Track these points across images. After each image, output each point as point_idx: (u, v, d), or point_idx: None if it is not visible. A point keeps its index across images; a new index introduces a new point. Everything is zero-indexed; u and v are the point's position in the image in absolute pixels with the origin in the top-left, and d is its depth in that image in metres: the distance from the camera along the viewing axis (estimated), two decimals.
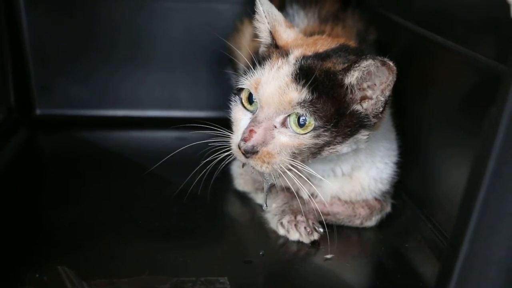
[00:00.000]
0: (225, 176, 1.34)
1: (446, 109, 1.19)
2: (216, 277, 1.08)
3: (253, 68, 1.11)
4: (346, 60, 1.09)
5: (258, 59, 1.13)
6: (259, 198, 1.32)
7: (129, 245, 1.18)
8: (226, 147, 1.13)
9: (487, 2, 1.04)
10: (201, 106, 1.73)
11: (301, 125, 1.06)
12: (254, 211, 1.32)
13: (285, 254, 1.19)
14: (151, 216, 1.27)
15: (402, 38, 1.37)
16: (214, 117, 1.39)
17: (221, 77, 1.63)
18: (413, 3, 1.34)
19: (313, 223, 1.21)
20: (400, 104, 1.26)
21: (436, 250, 1.16)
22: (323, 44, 1.14)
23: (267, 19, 1.15)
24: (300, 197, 1.20)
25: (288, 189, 1.21)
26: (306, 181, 1.12)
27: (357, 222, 1.26)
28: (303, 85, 1.04)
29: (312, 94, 1.04)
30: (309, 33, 1.27)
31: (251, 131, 1.06)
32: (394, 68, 1.02)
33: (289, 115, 1.06)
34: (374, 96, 1.06)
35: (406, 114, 1.29)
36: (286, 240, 1.21)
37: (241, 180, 1.36)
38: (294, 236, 1.20)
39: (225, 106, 1.19)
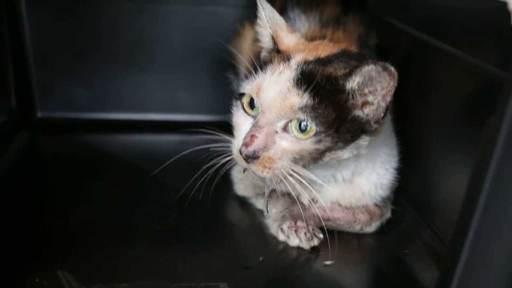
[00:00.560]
0: (226, 181, 1.34)
1: (447, 115, 1.18)
2: (216, 282, 1.08)
3: (255, 72, 1.12)
4: (347, 65, 1.09)
5: (259, 64, 1.13)
6: (259, 204, 1.32)
7: (130, 249, 1.18)
8: (227, 152, 1.13)
9: (488, 8, 1.03)
10: (202, 110, 1.73)
11: (302, 130, 1.06)
12: (254, 216, 1.32)
13: (285, 259, 1.19)
14: (151, 220, 1.27)
15: (403, 43, 1.37)
16: (215, 121, 1.40)
17: (222, 81, 1.63)
18: (414, 8, 1.34)
19: (313, 229, 1.21)
20: (401, 109, 1.25)
21: (436, 257, 1.16)
22: (325, 49, 1.15)
23: (269, 24, 1.15)
24: (301, 203, 1.20)
25: (288, 194, 1.22)
26: (307, 186, 1.12)
27: (357, 228, 1.26)
28: (305, 90, 1.04)
29: (314, 99, 1.04)
30: (310, 38, 1.27)
31: (252, 136, 1.07)
32: (395, 73, 1.02)
33: (290, 120, 1.06)
34: (375, 102, 1.07)
35: (407, 120, 1.29)
36: (286, 246, 1.21)
37: (242, 185, 1.36)
38: (294, 241, 1.20)
39: (226, 110, 1.19)
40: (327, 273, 1.15)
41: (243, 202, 1.36)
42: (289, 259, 1.19)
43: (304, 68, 1.07)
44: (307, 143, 1.06)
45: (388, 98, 1.06)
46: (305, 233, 1.19)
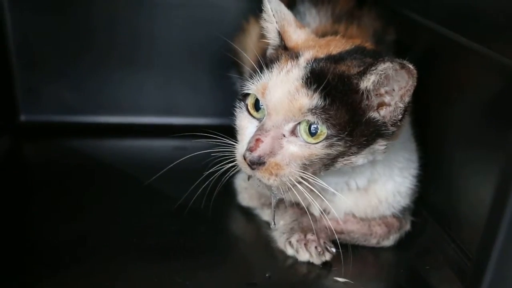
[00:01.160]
0: (228, 190, 1.35)
1: (471, 117, 1.20)
2: None
3: (260, 71, 1.13)
4: (362, 63, 1.11)
5: (265, 62, 1.15)
6: (265, 215, 1.34)
7: (123, 265, 1.19)
8: (230, 157, 1.14)
9: None
10: (202, 113, 1.75)
11: (312, 134, 1.07)
12: (259, 228, 1.33)
13: (293, 276, 1.20)
14: (147, 233, 1.28)
15: (423, 39, 1.39)
16: (217, 124, 1.41)
17: (224, 81, 1.64)
18: (436, 0, 1.35)
19: (324, 242, 1.22)
20: (421, 111, 1.27)
21: (460, 273, 1.17)
22: (337, 45, 1.16)
23: (275, 18, 1.16)
24: (311, 214, 1.22)
25: (297, 204, 1.23)
26: (318, 195, 1.13)
27: (373, 242, 1.28)
28: (315, 90, 1.06)
29: (325, 100, 1.05)
30: (321, 33, 1.29)
31: (257, 140, 1.08)
32: (415, 71, 1.03)
33: (299, 123, 1.07)
34: (392, 103, 1.08)
35: (428, 123, 1.31)
36: (295, 261, 1.22)
37: (246, 195, 1.37)
38: (303, 256, 1.21)
39: (229, 113, 1.21)
40: None
41: (248, 213, 1.37)
42: (298, 276, 1.20)
43: (314, 66, 1.09)
44: (318, 148, 1.07)
45: (407, 99, 1.07)
46: (315, 247, 1.20)
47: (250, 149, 1.08)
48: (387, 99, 1.08)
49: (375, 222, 1.27)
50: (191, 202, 1.24)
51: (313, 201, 1.14)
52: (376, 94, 1.07)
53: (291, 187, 1.10)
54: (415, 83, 1.05)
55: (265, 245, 1.27)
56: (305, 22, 1.39)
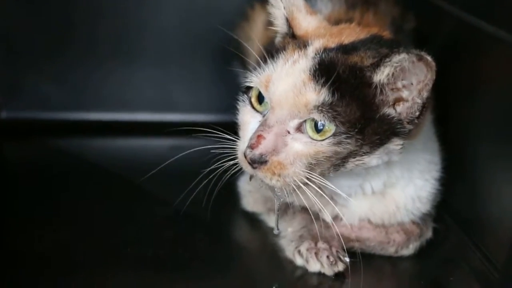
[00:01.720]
0: (231, 193, 1.36)
1: (498, 113, 1.20)
2: None
3: (264, 62, 1.13)
4: (376, 54, 1.11)
5: (270, 52, 1.15)
6: (272, 221, 1.33)
7: (114, 277, 1.19)
8: (231, 154, 1.14)
9: None
10: (201, 109, 1.76)
11: (318, 130, 1.07)
12: (265, 236, 1.33)
13: None
14: (140, 242, 1.29)
15: (446, 27, 1.40)
16: (216, 121, 1.40)
17: (226, 74, 1.65)
18: None
19: (337, 251, 1.22)
20: (443, 107, 1.28)
21: (487, 285, 1.17)
22: (351, 34, 1.16)
23: (283, 4, 1.17)
24: (322, 220, 1.22)
25: (307, 209, 1.23)
26: (326, 199, 1.13)
27: (391, 250, 1.28)
28: (323, 85, 1.06)
29: (333, 95, 1.05)
30: (334, 21, 1.29)
31: (259, 136, 1.08)
32: (433, 64, 1.03)
33: (305, 120, 1.08)
34: (409, 98, 1.08)
35: (451, 120, 1.31)
36: (305, 272, 1.22)
37: (250, 199, 1.38)
38: (314, 266, 1.21)
39: (230, 109, 1.22)
40: None
41: (253, 219, 1.37)
42: None
43: (323, 57, 1.09)
44: (324, 145, 1.07)
45: (425, 94, 1.07)
46: (327, 256, 1.20)
47: (251, 146, 1.08)
48: (403, 94, 1.08)
49: (393, 229, 1.28)
50: (189, 206, 1.25)
51: (322, 207, 1.14)
52: (392, 89, 1.08)
53: (295, 188, 1.10)
54: (434, 77, 1.05)
55: (272, 255, 1.27)
56: (316, 8, 1.39)
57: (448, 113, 1.31)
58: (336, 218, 1.23)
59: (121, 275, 1.20)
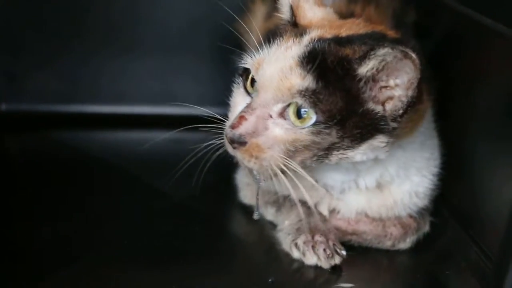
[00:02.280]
0: (228, 186, 1.40)
1: (497, 109, 1.23)
2: None
3: (261, 47, 1.18)
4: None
5: (269, 37, 1.20)
6: (269, 214, 1.37)
7: (112, 271, 1.22)
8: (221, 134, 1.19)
9: None
10: (202, 101, 1.72)
11: (300, 116, 1.11)
12: (262, 229, 1.35)
13: (299, 281, 1.24)
14: (138, 235, 1.32)
15: (446, 21, 1.43)
16: (220, 114, 1.44)
17: (228, 66, 1.66)
18: None
19: (334, 244, 1.25)
20: (442, 102, 1.31)
21: (483, 279, 1.20)
22: (351, 28, 1.20)
23: None
24: (319, 213, 1.27)
25: (304, 202, 1.28)
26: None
27: (388, 244, 1.32)
28: (309, 71, 1.10)
29: (318, 83, 1.10)
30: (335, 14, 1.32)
31: (241, 117, 1.13)
32: (417, 62, 1.06)
33: (289, 105, 1.12)
34: (393, 95, 1.11)
35: (449, 115, 1.34)
36: (302, 265, 1.25)
37: (248, 192, 1.42)
38: (311, 259, 1.24)
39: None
40: None
41: (249, 212, 1.36)
42: (305, 281, 1.23)
43: (316, 46, 1.13)
44: (303, 133, 1.11)
45: (410, 92, 1.10)
46: (324, 250, 1.23)
47: (232, 126, 1.12)
48: (387, 90, 1.11)
49: (390, 222, 1.31)
50: (187, 199, 1.29)
51: (300, 195, 1.17)
52: (376, 84, 1.11)
53: (272, 174, 1.13)
54: (419, 75, 1.08)
55: (269, 247, 1.30)
56: None
57: (447, 107, 1.34)
58: (333, 211, 1.29)
59: (119, 267, 1.22)
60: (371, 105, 1.12)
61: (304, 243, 1.25)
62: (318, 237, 1.26)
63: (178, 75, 1.81)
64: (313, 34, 1.16)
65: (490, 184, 1.25)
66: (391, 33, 1.23)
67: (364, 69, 1.10)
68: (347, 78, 1.11)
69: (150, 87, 1.81)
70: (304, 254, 1.25)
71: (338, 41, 1.14)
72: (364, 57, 1.09)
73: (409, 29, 1.46)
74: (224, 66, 1.69)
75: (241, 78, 1.21)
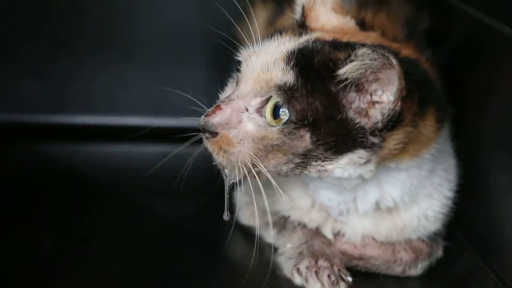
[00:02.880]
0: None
1: None
2: None
3: (258, 42, 1.19)
4: None
5: (269, 34, 1.21)
6: (269, 236, 1.35)
7: None
8: None
9: None
10: (198, 113, 1.76)
11: (276, 117, 1.11)
12: (262, 253, 1.32)
13: None
14: (129, 258, 1.31)
15: (461, 28, 1.43)
16: None
17: (225, 75, 1.67)
18: None
19: (339, 270, 1.25)
20: (456, 113, 1.30)
21: None
22: (359, 37, 1.20)
23: None
24: (323, 236, 1.27)
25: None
26: (329, 214, 1.18)
27: (398, 270, 1.31)
28: (292, 67, 1.11)
29: (298, 79, 1.10)
30: None
31: (217, 107, 1.14)
32: (398, 69, 1.04)
33: (268, 101, 1.12)
34: (376, 105, 1.10)
35: (464, 129, 1.34)
36: None
37: (247, 212, 1.41)
38: (314, 286, 1.23)
39: None
40: None
41: (248, 234, 1.38)
42: None
43: (309, 44, 1.14)
44: (273, 132, 1.11)
45: (391, 106, 1.08)
46: (328, 275, 1.23)
47: (206, 115, 1.14)
48: (368, 98, 1.10)
49: (400, 247, 1.30)
50: (181, 218, 1.29)
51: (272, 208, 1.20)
52: (358, 91, 1.10)
53: (240, 173, 1.13)
54: (400, 86, 1.06)
55: (269, 273, 1.27)
56: None
57: (461, 120, 1.33)
58: (338, 234, 1.28)
59: None
60: (351, 114, 1.11)
61: (307, 268, 1.25)
62: (322, 262, 1.25)
63: (169, 83, 1.76)
64: (313, 36, 1.17)
65: (509, 206, 1.24)
66: (408, 52, 1.23)
67: (343, 70, 1.08)
68: (329, 80, 1.10)
69: (141, 97, 1.81)
70: (307, 280, 1.24)
71: (335, 44, 1.14)
72: (346, 58, 1.08)
73: (423, 37, 1.47)
74: (222, 75, 1.69)
75: (237, 72, 1.22)
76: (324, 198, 1.24)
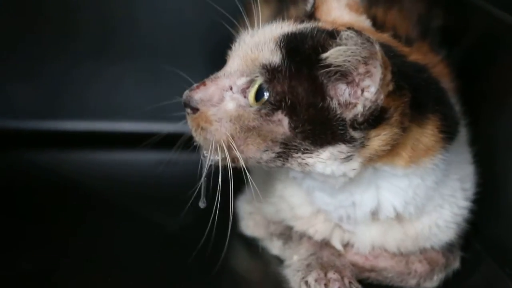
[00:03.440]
0: (227, 214, 1.37)
1: None
2: None
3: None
4: None
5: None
6: (275, 248, 1.37)
7: None
8: None
9: None
10: None
11: (257, 98, 1.13)
12: (267, 265, 1.35)
13: None
14: (125, 270, 1.31)
15: (478, 25, 1.42)
16: None
17: None
18: None
19: (350, 283, 1.24)
20: (472, 116, 1.30)
21: None
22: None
23: None
24: (332, 247, 1.27)
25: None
26: (337, 224, 1.18)
27: (412, 283, 1.30)
28: (281, 48, 1.12)
29: (284, 61, 1.11)
30: None
31: (202, 83, 1.17)
32: (380, 55, 1.03)
33: (252, 82, 1.13)
34: (358, 95, 1.09)
35: (480, 132, 1.33)
36: None
37: (250, 222, 1.41)
38: None
39: None
40: None
41: (252, 245, 1.39)
42: None
43: (306, 30, 1.15)
44: (251, 112, 1.13)
45: (373, 97, 1.08)
46: None
47: (190, 90, 1.17)
48: (351, 87, 1.10)
49: (414, 258, 1.30)
50: (179, 229, 1.29)
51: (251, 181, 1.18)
52: (343, 79, 1.10)
53: (217, 154, 1.15)
54: (385, 76, 1.05)
55: (275, 286, 1.29)
56: None
57: (478, 123, 1.33)
58: (347, 245, 1.28)
59: None
60: (334, 104, 1.11)
61: (316, 281, 1.24)
62: (331, 274, 1.25)
63: (166, 87, 1.77)
64: (315, 24, 1.19)
65: None
66: (418, 58, 1.23)
67: (327, 54, 1.08)
68: (316, 65, 1.10)
69: (137, 101, 1.80)
70: None
71: (333, 33, 1.12)
72: (334, 43, 1.08)
73: (437, 36, 1.47)
74: None
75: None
76: (320, 201, 1.24)
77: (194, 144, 1.19)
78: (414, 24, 1.44)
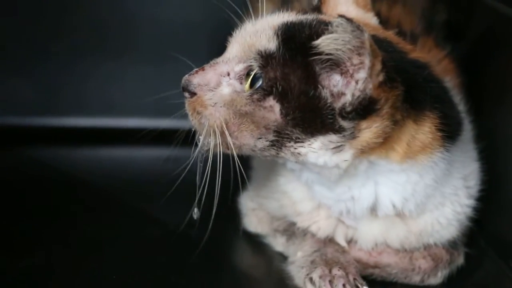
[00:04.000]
0: (231, 211, 1.41)
1: None
2: None
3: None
4: None
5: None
6: (278, 244, 1.40)
7: None
8: None
9: None
10: None
11: (252, 85, 1.17)
12: (271, 261, 1.37)
13: None
14: (127, 268, 1.33)
15: (483, 20, 1.45)
16: None
17: None
18: None
19: (355, 279, 1.26)
20: (476, 111, 1.32)
21: None
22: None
23: None
24: (336, 243, 1.30)
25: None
26: (339, 220, 1.21)
27: (416, 279, 1.33)
28: (278, 36, 1.16)
29: (279, 48, 1.15)
30: None
31: (201, 68, 1.22)
32: (368, 44, 1.06)
33: (250, 69, 1.17)
34: (348, 84, 1.12)
35: (484, 126, 1.35)
36: None
37: (254, 218, 1.44)
38: None
39: None
40: None
41: (255, 242, 1.41)
42: None
43: (306, 21, 1.18)
44: (243, 97, 1.17)
45: (362, 86, 1.11)
46: (343, 285, 1.24)
47: (189, 74, 1.22)
48: (342, 77, 1.13)
49: (418, 254, 1.32)
50: (183, 226, 1.29)
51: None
52: (341, 71, 1.12)
53: (211, 139, 1.18)
54: (374, 65, 1.08)
55: (278, 283, 1.31)
56: None
57: (481, 118, 1.35)
58: (351, 241, 1.31)
59: None
60: (325, 93, 1.14)
61: (320, 277, 1.26)
62: (336, 271, 1.27)
63: (171, 83, 1.79)
64: (318, 16, 1.22)
65: None
66: (420, 56, 1.25)
67: (318, 41, 1.11)
68: (310, 53, 1.13)
69: (140, 97, 1.81)
70: None
71: (327, 23, 1.15)
72: (326, 30, 1.11)
73: (441, 31, 1.49)
74: None
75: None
76: (319, 195, 1.28)
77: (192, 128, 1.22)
78: (418, 18, 1.47)
